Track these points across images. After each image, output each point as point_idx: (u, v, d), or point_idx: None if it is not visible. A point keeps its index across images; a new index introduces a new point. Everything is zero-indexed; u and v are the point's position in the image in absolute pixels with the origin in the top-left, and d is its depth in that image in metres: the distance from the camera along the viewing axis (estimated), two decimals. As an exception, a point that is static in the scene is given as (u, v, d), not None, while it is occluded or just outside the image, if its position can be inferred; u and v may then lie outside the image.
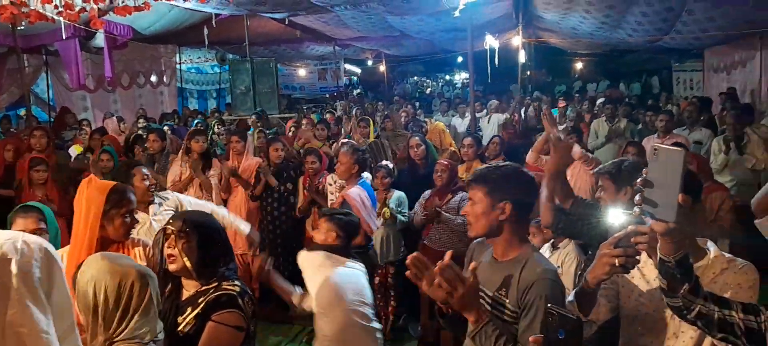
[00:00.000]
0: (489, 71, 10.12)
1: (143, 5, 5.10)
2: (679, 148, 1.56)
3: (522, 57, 10.59)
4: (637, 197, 1.58)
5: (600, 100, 11.74)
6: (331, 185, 5.21)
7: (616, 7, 8.95)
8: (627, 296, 2.25)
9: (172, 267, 2.21)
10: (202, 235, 2.21)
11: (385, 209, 4.90)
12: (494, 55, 10.29)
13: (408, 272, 1.84)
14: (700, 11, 8.59)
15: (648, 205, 1.55)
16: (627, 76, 22.87)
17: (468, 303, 1.82)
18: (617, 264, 1.79)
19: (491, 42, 9.75)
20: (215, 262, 2.24)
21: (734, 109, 6.89)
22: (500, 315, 2.04)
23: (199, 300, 2.18)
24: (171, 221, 2.27)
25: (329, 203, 5.21)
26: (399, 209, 4.97)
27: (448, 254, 1.87)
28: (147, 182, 3.74)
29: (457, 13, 6.11)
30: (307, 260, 3.20)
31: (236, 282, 2.23)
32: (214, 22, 9.22)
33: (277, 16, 9.66)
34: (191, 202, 3.94)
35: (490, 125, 10.08)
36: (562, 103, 12.06)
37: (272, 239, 5.63)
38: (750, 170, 5.70)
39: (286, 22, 10.29)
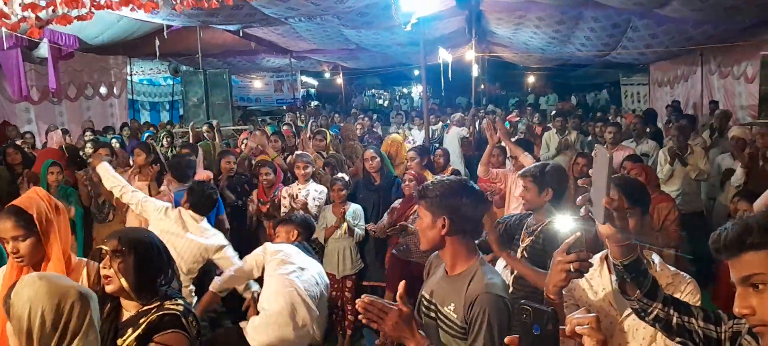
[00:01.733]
0: (443, 84, 10.25)
1: (86, 15, 4.93)
2: (606, 150, 1.60)
3: (475, 71, 10.77)
4: (579, 198, 1.63)
5: (553, 112, 12.05)
6: (284, 197, 5.14)
7: (566, 23, 9.23)
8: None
9: (108, 288, 2.09)
10: (139, 254, 2.09)
11: (344, 222, 4.88)
12: (448, 68, 10.44)
13: (360, 316, 1.83)
14: (643, 28, 8.96)
15: (590, 204, 1.60)
16: (578, 89, 23.56)
17: (402, 332, 1.78)
18: (572, 270, 1.79)
19: (445, 56, 9.88)
20: (155, 280, 2.13)
21: (678, 121, 7.18)
22: (448, 331, 2.01)
23: (141, 321, 2.06)
24: (106, 240, 2.15)
25: (282, 213, 5.14)
26: (355, 222, 4.96)
27: (401, 287, 1.84)
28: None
29: (408, 28, 6.17)
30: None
31: (179, 301, 2.13)
32: (165, 33, 9.02)
33: (230, 27, 9.54)
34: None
35: (450, 138, 10.16)
36: (514, 117, 12.28)
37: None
38: (694, 181, 5.93)
39: (241, 34, 10.16)
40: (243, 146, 6.86)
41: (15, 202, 2.51)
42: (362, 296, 1.83)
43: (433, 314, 2.10)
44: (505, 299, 1.97)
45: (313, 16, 8.36)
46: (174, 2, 4.41)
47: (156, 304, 2.10)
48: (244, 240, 5.62)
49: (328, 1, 7.42)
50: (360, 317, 1.83)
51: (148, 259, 2.12)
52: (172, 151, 7.45)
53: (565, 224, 1.98)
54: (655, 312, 1.67)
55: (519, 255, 3.01)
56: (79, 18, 5.47)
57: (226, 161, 5.55)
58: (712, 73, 11.10)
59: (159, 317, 2.05)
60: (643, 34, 9.28)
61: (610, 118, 10.56)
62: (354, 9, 7.87)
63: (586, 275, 1.93)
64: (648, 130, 7.69)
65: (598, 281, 2.17)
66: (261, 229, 5.59)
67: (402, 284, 1.86)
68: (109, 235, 2.20)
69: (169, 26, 8.91)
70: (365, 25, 9.11)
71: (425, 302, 2.15)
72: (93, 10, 5.31)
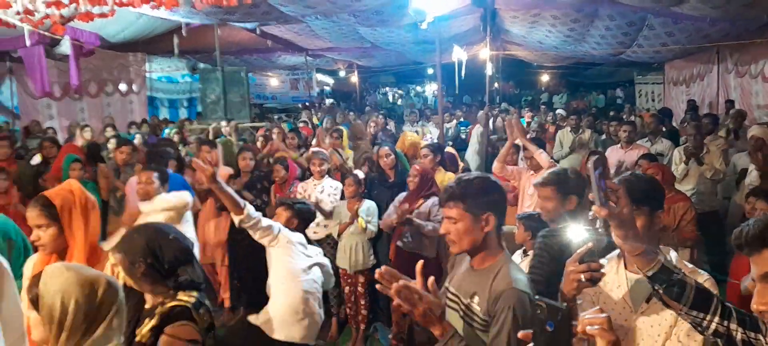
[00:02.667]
0: (457, 83, 10.27)
1: (108, 12, 5.05)
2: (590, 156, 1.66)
3: (489, 69, 10.77)
4: (593, 209, 1.63)
5: (559, 111, 12.03)
6: (300, 193, 5.23)
7: (581, 21, 9.20)
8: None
9: (128, 282, 2.20)
10: (148, 259, 2.17)
11: (359, 218, 4.95)
12: (462, 67, 10.46)
13: (377, 285, 1.87)
14: (660, 26, 8.90)
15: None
16: (592, 87, 23.43)
17: (430, 318, 1.82)
18: (583, 280, 1.81)
19: (459, 54, 9.90)
20: (172, 275, 2.20)
21: (695, 120, 7.13)
22: (471, 323, 2.07)
23: (156, 311, 2.15)
24: (115, 250, 2.25)
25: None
26: (368, 219, 5.02)
27: (419, 265, 1.88)
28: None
29: (424, 26, 6.21)
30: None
31: (194, 293, 2.20)
32: (184, 30, 9.16)
33: (247, 25, 9.65)
34: None
35: (474, 136, 10.22)
36: (528, 115, 12.29)
37: (244, 251, 5.59)
38: (709, 180, 5.92)
39: (258, 32, 10.27)
40: (259, 143, 6.96)
41: (46, 192, 2.63)
42: (384, 268, 1.88)
43: (455, 306, 2.15)
44: (530, 296, 2.01)
45: (329, 14, 8.44)
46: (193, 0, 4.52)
47: (170, 294, 2.19)
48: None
49: (344, 0, 7.50)
50: (379, 287, 1.87)
51: (158, 261, 2.18)
52: (183, 146, 7.57)
53: (577, 233, 1.99)
54: (712, 326, 1.57)
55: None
56: (101, 15, 5.61)
57: (243, 158, 5.64)
58: (729, 71, 10.99)
59: (171, 308, 2.13)
60: (660, 32, 9.22)
61: (624, 116, 10.52)
62: (370, 7, 7.93)
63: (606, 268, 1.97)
64: (663, 129, 7.67)
65: (614, 279, 2.13)
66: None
67: (431, 279, 1.87)
68: (114, 247, 2.28)
69: (187, 24, 9.05)
70: (380, 23, 9.16)
71: (450, 294, 2.20)
72: (115, 7, 5.44)
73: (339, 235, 5.16)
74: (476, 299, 2.06)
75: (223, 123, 7.91)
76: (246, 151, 5.74)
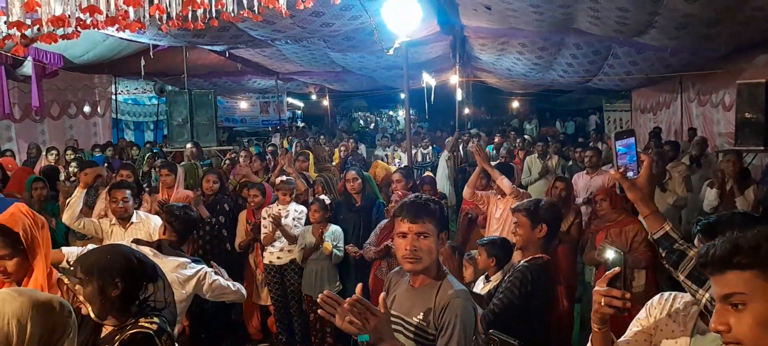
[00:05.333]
0: (426, 108, 10.35)
1: (72, 33, 4.93)
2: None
3: (459, 95, 10.89)
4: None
5: (526, 136, 12.23)
6: (265, 218, 5.14)
7: (548, 50, 9.39)
8: None
9: (83, 310, 2.07)
10: (100, 279, 2.06)
11: (325, 243, 4.88)
12: (432, 92, 10.54)
13: (320, 310, 1.86)
14: (624, 56, 9.14)
15: None
16: (562, 114, 23.86)
17: (381, 335, 1.82)
18: (603, 303, 1.73)
19: (428, 80, 9.99)
20: (131, 299, 2.11)
21: (658, 147, 7.27)
22: (418, 340, 2.09)
23: (115, 338, 2.05)
24: (71, 268, 2.13)
25: (263, 234, 5.15)
26: (334, 244, 4.96)
27: (381, 297, 1.89)
28: None
29: (390, 52, 6.24)
30: None
31: (155, 319, 2.10)
32: (151, 53, 9.04)
33: (216, 48, 9.58)
34: None
35: (441, 161, 10.35)
36: (498, 139, 12.42)
37: (204, 273, 5.48)
38: (672, 206, 6.01)
39: (227, 55, 10.20)
40: (225, 166, 6.87)
41: (1, 220, 2.50)
42: (326, 292, 1.86)
43: (399, 328, 2.15)
44: (474, 304, 2.14)
45: (299, 39, 8.43)
46: (160, 22, 4.42)
47: (131, 321, 2.08)
48: (226, 261, 5.60)
49: (314, 25, 7.49)
50: (321, 312, 1.85)
51: (112, 282, 2.08)
52: (153, 171, 7.42)
53: (608, 254, 1.92)
54: (703, 301, 1.67)
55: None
56: (65, 37, 5.47)
57: (207, 180, 5.55)
58: (691, 100, 11.30)
59: (132, 335, 2.03)
60: (624, 61, 9.46)
61: (590, 143, 10.69)
62: (340, 33, 7.95)
63: (676, 307, 1.90)
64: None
65: (682, 322, 1.91)
66: (251, 250, 5.57)
67: (382, 295, 1.91)
68: (75, 260, 2.19)
69: (155, 46, 8.94)
70: (351, 48, 9.19)
71: (393, 317, 2.16)
72: (79, 29, 5.31)
73: (304, 260, 5.08)
74: (421, 315, 2.11)
75: (188, 145, 7.78)
76: (210, 175, 5.65)
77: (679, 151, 7.64)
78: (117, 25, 5.03)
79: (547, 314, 3.03)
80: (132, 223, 4.37)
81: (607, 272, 1.75)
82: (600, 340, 1.85)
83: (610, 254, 1.84)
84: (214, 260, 5.45)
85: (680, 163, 7.03)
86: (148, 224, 4.39)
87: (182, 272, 3.19)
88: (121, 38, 8.09)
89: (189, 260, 3.29)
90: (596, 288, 1.76)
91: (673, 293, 2.00)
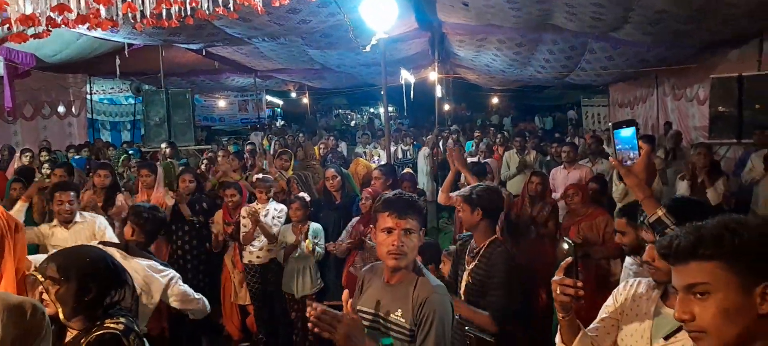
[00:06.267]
0: (405, 104, 10.37)
1: (43, 33, 4.84)
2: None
3: (439, 92, 10.92)
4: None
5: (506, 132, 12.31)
6: (244, 217, 5.11)
7: (525, 46, 9.45)
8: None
9: (48, 311, 2.05)
10: (79, 281, 2.04)
11: (306, 241, 4.86)
12: (413, 89, 10.57)
13: (309, 324, 1.85)
14: (600, 51, 9.24)
15: None
16: (541, 110, 24.08)
17: (352, 340, 1.82)
18: (558, 292, 1.84)
19: (407, 76, 10.00)
20: (101, 301, 2.08)
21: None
22: (396, 337, 2.09)
23: (81, 341, 2.03)
24: (43, 265, 2.09)
25: (242, 233, 5.11)
26: (315, 241, 4.95)
27: (345, 294, 1.91)
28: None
29: (367, 49, 6.22)
30: None
31: (121, 319, 2.09)
32: (126, 52, 8.91)
33: (193, 47, 9.47)
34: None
35: (421, 157, 10.39)
36: (477, 135, 12.50)
37: (183, 273, 5.40)
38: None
39: (204, 53, 10.09)
40: (203, 166, 6.80)
41: None
42: (312, 305, 1.85)
43: (376, 325, 2.16)
44: (450, 299, 2.16)
45: (276, 36, 8.36)
46: (134, 21, 4.35)
47: (97, 323, 2.06)
48: (207, 261, 5.57)
49: (291, 22, 7.44)
50: (310, 325, 1.84)
51: (89, 284, 2.06)
52: (128, 171, 7.34)
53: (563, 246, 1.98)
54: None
55: (465, 279, 3.10)
56: (36, 36, 5.37)
57: (183, 180, 5.50)
58: (667, 95, 11.48)
59: (98, 337, 2.01)
60: (600, 56, 9.56)
61: (568, 138, 10.80)
62: (318, 30, 7.91)
63: (640, 292, 2.03)
64: (604, 149, 7.91)
65: (644, 305, 2.03)
66: (226, 250, 5.52)
67: (345, 293, 1.93)
68: (47, 258, 2.15)
69: (130, 45, 8.81)
70: (329, 45, 9.15)
71: (367, 315, 2.18)
72: (50, 28, 5.22)
73: (285, 259, 5.05)
74: (399, 311, 2.11)
75: (164, 145, 7.70)
76: (186, 173, 5.59)
77: (655, 144, 7.75)
78: (88, 24, 4.96)
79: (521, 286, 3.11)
80: (75, 223, 4.27)
81: (561, 263, 1.85)
82: (566, 327, 1.95)
83: (564, 245, 1.89)
84: (193, 260, 5.46)
85: (655, 156, 7.13)
86: (93, 224, 4.29)
87: (151, 275, 3.16)
88: (95, 37, 7.95)
89: (157, 263, 3.28)
90: (553, 278, 1.86)
91: (638, 279, 2.12)
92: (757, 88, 7.20)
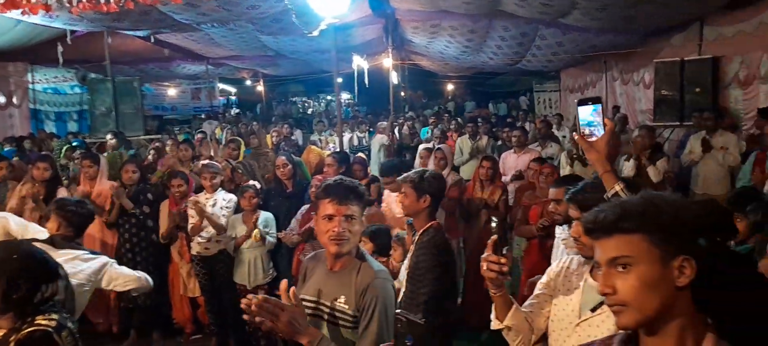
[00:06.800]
0: (356, 90, 10.34)
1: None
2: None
3: (394, 78, 10.92)
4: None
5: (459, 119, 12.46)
6: (190, 207, 4.99)
7: (477, 32, 9.54)
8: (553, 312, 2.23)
9: None
10: (3, 280, 1.97)
11: (255, 230, 4.79)
12: (369, 75, 10.53)
13: (245, 316, 1.82)
14: (550, 37, 9.41)
15: None
16: (495, 96, 24.39)
17: (295, 328, 1.83)
18: (485, 269, 1.89)
19: (360, 63, 9.95)
20: (31, 298, 2.01)
21: (575, 125, 7.51)
22: (340, 324, 2.08)
23: (11, 340, 1.95)
24: None
25: (190, 224, 5.01)
26: (267, 230, 4.89)
27: (283, 284, 1.90)
28: None
29: (315, 33, 6.15)
30: None
31: (53, 316, 2.02)
32: (69, 38, 8.57)
33: (139, 33, 9.19)
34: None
35: (374, 145, 10.36)
36: (433, 120, 12.60)
37: (132, 266, 5.27)
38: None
39: (152, 40, 9.80)
40: (150, 157, 6.62)
41: None
42: (249, 296, 1.83)
43: (319, 313, 2.14)
44: (393, 283, 2.17)
45: (226, 22, 8.19)
46: (70, 5, 4.19)
47: (27, 320, 1.99)
48: (155, 253, 5.43)
49: (240, 7, 7.29)
50: (245, 316, 1.82)
51: (18, 281, 1.99)
52: (71, 162, 7.09)
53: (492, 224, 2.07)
54: None
55: (407, 261, 3.10)
56: (-33, 22, 5.13)
57: (126, 171, 5.33)
58: (615, 79, 11.77)
59: (28, 335, 1.94)
60: (551, 42, 9.74)
61: (519, 123, 10.99)
62: (268, 15, 7.77)
63: (572, 268, 2.12)
64: (553, 133, 8.08)
65: (575, 280, 2.17)
66: (174, 241, 5.40)
67: (283, 282, 1.92)
68: None
69: (73, 32, 8.48)
70: (281, 31, 9.01)
71: (310, 303, 2.16)
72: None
73: (235, 249, 4.97)
74: (342, 298, 2.10)
75: (108, 136, 7.47)
76: (129, 164, 5.43)
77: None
78: (21, 9, 4.76)
79: (452, 272, 3.13)
80: None
81: (488, 241, 1.89)
82: (499, 304, 2.05)
83: (493, 224, 1.99)
84: (141, 252, 5.32)
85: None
86: (8, 222, 4.05)
87: (80, 265, 3.10)
88: (35, 23, 7.62)
89: (87, 253, 3.23)
90: (482, 256, 1.91)
91: (570, 256, 2.20)
92: (697, 71, 7.46)
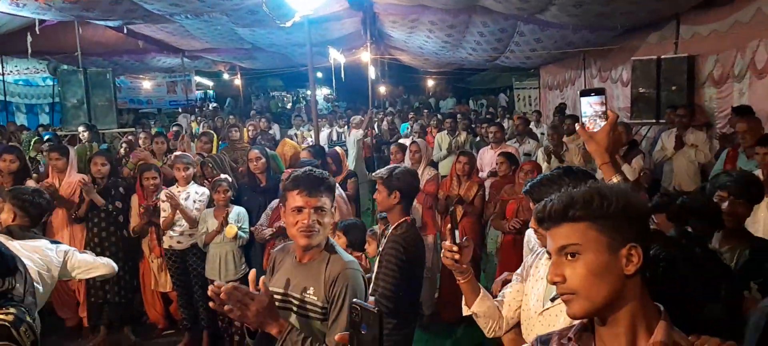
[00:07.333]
0: (334, 84, 10.25)
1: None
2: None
3: (372, 73, 10.85)
4: None
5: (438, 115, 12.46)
6: (163, 201, 4.90)
7: (456, 28, 9.51)
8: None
9: None
10: None
11: (229, 226, 4.71)
12: (349, 70, 10.45)
13: (210, 303, 1.82)
14: (529, 33, 9.41)
15: None
16: (475, 93, 24.48)
17: (264, 318, 1.83)
18: (445, 256, 1.99)
19: (337, 57, 9.86)
20: None
21: (552, 122, 7.56)
22: (309, 315, 2.07)
23: None
24: None
25: (162, 218, 4.91)
26: (239, 225, 4.80)
27: (252, 274, 1.91)
28: None
29: (288, 25, 6.06)
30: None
31: (11, 310, 1.97)
32: (37, 28, 8.34)
33: (111, 23, 8.98)
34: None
35: (350, 141, 10.27)
36: (412, 116, 12.56)
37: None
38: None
39: (126, 31, 9.59)
40: (122, 150, 6.48)
41: None
42: (217, 283, 1.82)
43: (288, 305, 2.12)
44: (363, 274, 2.16)
45: (199, 13, 8.04)
46: (35, -7, 4.07)
47: None
48: (125, 248, 5.31)
49: (213, -2, 7.17)
50: (211, 304, 1.81)
51: None
52: (40, 155, 6.91)
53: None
54: None
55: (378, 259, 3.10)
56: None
57: (95, 164, 5.20)
58: (594, 76, 11.83)
59: None
60: (529, 38, 9.75)
61: (497, 119, 11.02)
62: (242, 7, 7.65)
63: (541, 260, 2.14)
64: (530, 130, 8.10)
65: (545, 270, 2.15)
66: (145, 235, 5.30)
67: (252, 272, 1.93)
68: None
69: (41, 21, 8.25)
70: (257, 23, 8.88)
71: (278, 295, 2.14)
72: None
73: (206, 244, 4.88)
74: (311, 290, 2.08)
75: (81, 128, 7.29)
76: (98, 157, 5.30)
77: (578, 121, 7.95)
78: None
79: (418, 267, 3.13)
80: None
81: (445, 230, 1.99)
82: (467, 290, 2.14)
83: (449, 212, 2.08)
84: (110, 247, 5.20)
85: (578, 136, 7.34)
86: None
87: (41, 255, 3.04)
88: (2, 12, 7.39)
89: (47, 242, 3.18)
90: (445, 244, 2.01)
91: (543, 250, 2.21)
92: (672, 69, 7.51)
